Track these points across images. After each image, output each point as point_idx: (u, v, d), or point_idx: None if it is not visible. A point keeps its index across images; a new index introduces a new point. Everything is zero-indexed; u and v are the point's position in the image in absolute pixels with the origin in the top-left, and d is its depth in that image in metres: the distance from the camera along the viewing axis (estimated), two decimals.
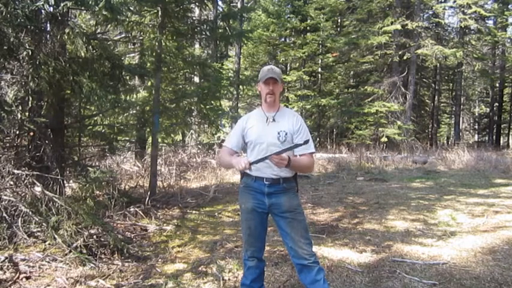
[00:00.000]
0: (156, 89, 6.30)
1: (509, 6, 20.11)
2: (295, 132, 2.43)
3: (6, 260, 3.39)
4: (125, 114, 6.47)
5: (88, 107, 5.98)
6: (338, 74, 20.98)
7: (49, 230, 3.71)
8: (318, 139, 19.48)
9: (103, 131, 6.09)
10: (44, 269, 3.37)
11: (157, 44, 6.19)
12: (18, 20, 3.85)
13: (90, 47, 4.36)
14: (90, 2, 4.15)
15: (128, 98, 6.31)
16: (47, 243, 3.73)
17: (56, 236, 3.66)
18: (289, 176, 2.44)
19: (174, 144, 10.36)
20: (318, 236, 4.39)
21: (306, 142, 2.31)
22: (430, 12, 19.93)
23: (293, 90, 19.23)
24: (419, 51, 16.70)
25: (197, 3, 7.98)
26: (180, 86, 7.54)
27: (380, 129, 16.65)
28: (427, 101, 24.91)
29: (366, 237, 4.33)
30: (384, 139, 15.96)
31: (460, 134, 24.55)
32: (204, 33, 7.07)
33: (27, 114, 4.85)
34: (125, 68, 5.01)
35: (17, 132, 4.98)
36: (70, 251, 3.56)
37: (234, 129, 2.61)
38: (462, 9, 18.43)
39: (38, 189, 4.22)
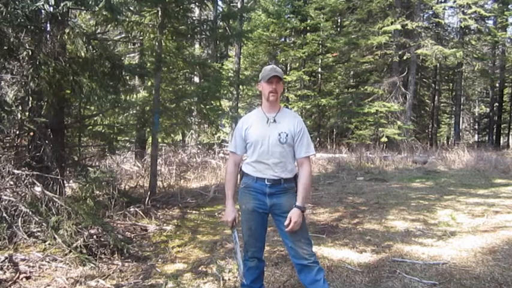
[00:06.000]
0: (156, 89, 6.29)
1: (509, 6, 20.08)
2: (296, 134, 2.43)
3: (6, 260, 3.39)
4: (125, 114, 6.46)
5: (88, 107, 5.97)
6: (338, 74, 20.96)
7: (49, 230, 3.71)
8: (318, 139, 19.47)
9: (103, 131, 6.08)
10: (44, 269, 3.38)
11: (157, 44, 6.19)
12: (18, 20, 3.84)
13: (90, 47, 4.35)
14: (90, 2, 4.14)
15: (128, 98, 6.30)
16: (47, 243, 3.72)
17: (56, 236, 3.66)
18: (289, 176, 2.45)
19: (174, 144, 10.37)
20: (318, 236, 4.39)
21: None
22: (430, 12, 19.91)
23: (293, 90, 19.21)
24: (419, 51, 16.68)
25: (197, 3, 7.98)
26: (180, 86, 7.53)
27: (380, 129, 16.63)
28: (427, 101, 24.90)
29: (366, 237, 4.33)
30: (384, 139, 15.95)
31: (460, 134, 24.56)
32: (204, 33, 7.06)
33: (27, 114, 4.85)
34: (124, 68, 5.01)
35: (17, 132, 4.97)
36: (70, 251, 3.56)
37: (234, 131, 2.61)
38: (462, 9, 18.42)
39: (38, 189, 4.22)
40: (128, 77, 5.48)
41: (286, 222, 2.33)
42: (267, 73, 2.42)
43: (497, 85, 24.35)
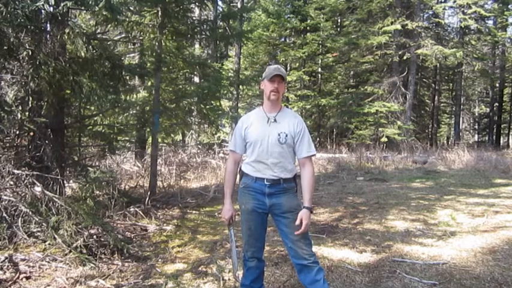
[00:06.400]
0: (156, 89, 6.29)
1: (509, 6, 20.08)
2: (296, 134, 2.43)
3: (6, 260, 3.39)
4: (125, 114, 6.47)
5: (88, 107, 5.97)
6: (338, 74, 20.97)
7: (49, 230, 3.71)
8: (318, 139, 19.47)
9: (103, 131, 6.08)
10: (44, 269, 3.38)
11: (157, 44, 6.19)
12: (18, 20, 3.84)
13: (90, 47, 4.35)
14: (90, 2, 4.14)
15: (128, 98, 6.31)
16: (47, 243, 3.72)
17: (56, 236, 3.66)
18: (289, 176, 2.44)
19: (174, 144, 10.37)
20: (318, 236, 4.39)
21: None
22: (430, 12, 19.91)
23: (293, 90, 19.21)
24: (419, 51, 16.68)
25: (197, 3, 7.98)
26: (180, 86, 7.53)
27: (380, 129, 16.63)
28: (427, 101, 24.90)
29: (366, 237, 4.33)
30: (384, 139, 15.95)
31: (460, 134, 24.56)
32: (204, 33, 7.07)
33: (27, 114, 4.85)
34: (124, 68, 5.01)
35: (17, 132, 4.97)
36: (70, 251, 3.56)
37: (234, 130, 2.61)
38: (462, 9, 18.42)
39: (38, 189, 4.22)
40: (128, 77, 5.48)
41: (297, 222, 2.32)
42: (271, 72, 2.42)
43: (497, 85, 24.35)
